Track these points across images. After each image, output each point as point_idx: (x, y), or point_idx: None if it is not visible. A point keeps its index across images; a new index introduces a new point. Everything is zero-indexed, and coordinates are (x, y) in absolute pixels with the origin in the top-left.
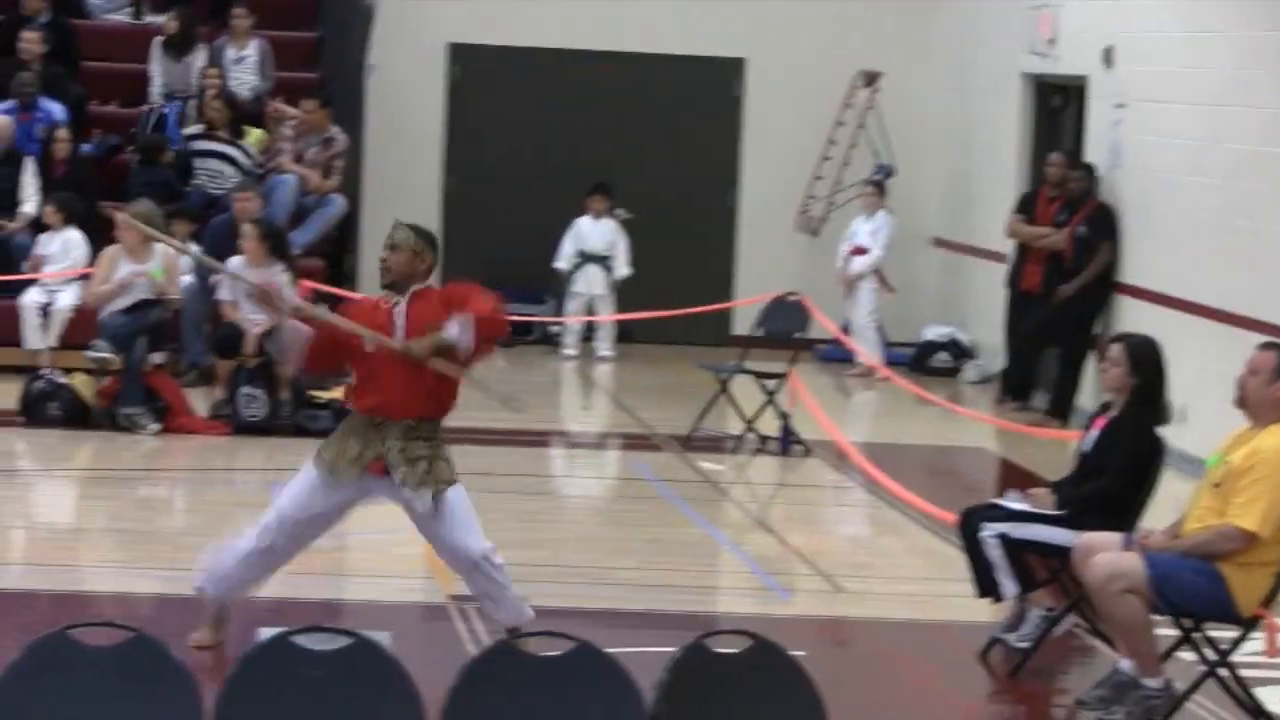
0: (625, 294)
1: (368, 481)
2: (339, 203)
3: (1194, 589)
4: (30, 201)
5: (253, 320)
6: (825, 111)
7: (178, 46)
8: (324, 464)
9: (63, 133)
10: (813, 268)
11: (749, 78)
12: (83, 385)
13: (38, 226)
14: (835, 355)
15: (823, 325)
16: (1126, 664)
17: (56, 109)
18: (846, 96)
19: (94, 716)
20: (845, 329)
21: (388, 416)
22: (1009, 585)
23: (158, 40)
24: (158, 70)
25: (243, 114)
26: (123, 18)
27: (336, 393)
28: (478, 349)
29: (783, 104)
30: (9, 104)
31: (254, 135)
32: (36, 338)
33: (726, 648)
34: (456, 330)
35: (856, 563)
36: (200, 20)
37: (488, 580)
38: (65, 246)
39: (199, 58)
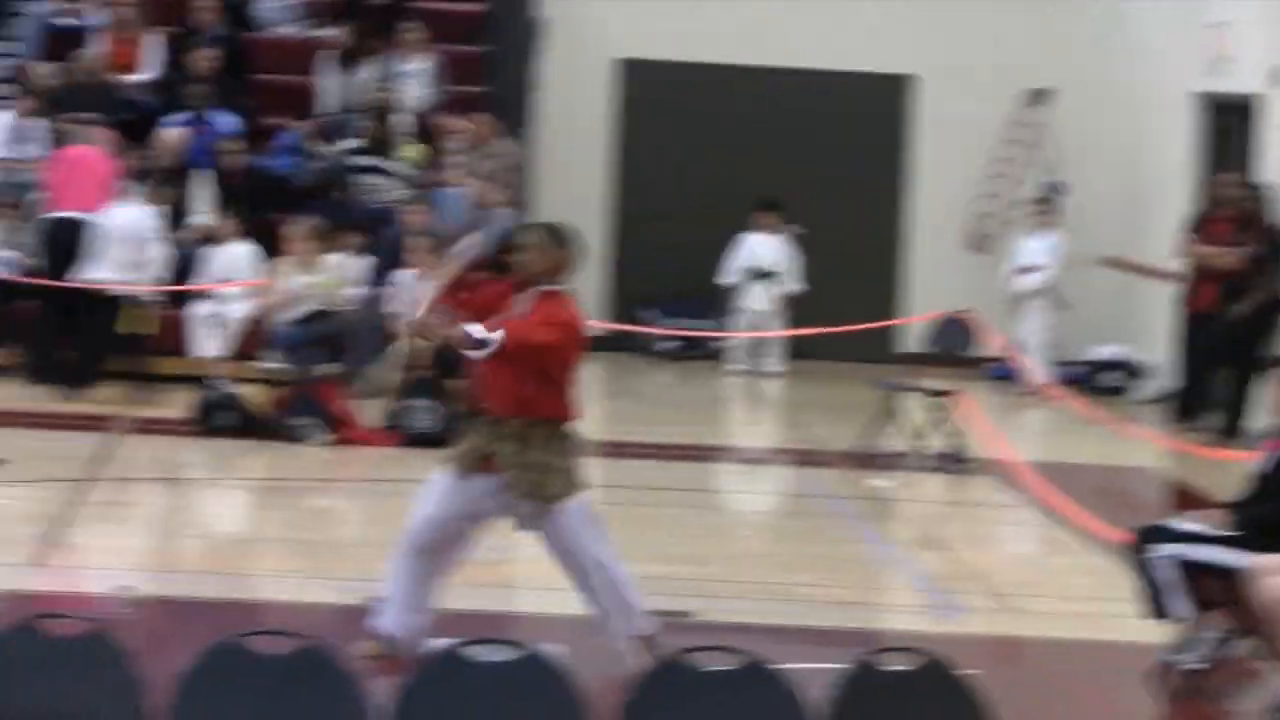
0: (794, 310)
1: (488, 483)
2: (507, 216)
3: None
4: (203, 214)
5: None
6: (995, 128)
7: (348, 60)
8: (451, 460)
9: (235, 145)
10: (982, 285)
11: (919, 94)
12: (254, 395)
13: (210, 238)
14: (1004, 373)
15: (992, 343)
16: None
17: (229, 121)
18: (1016, 114)
19: None
20: (1015, 347)
21: (499, 415)
22: (1180, 607)
23: (328, 53)
24: (328, 83)
25: (409, 129)
26: (293, 30)
27: None
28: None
29: (952, 121)
30: (183, 117)
31: (412, 151)
32: (208, 348)
33: (896, 665)
34: (476, 335)
35: (1025, 581)
36: (370, 34)
37: (604, 588)
38: (237, 259)
39: (369, 71)
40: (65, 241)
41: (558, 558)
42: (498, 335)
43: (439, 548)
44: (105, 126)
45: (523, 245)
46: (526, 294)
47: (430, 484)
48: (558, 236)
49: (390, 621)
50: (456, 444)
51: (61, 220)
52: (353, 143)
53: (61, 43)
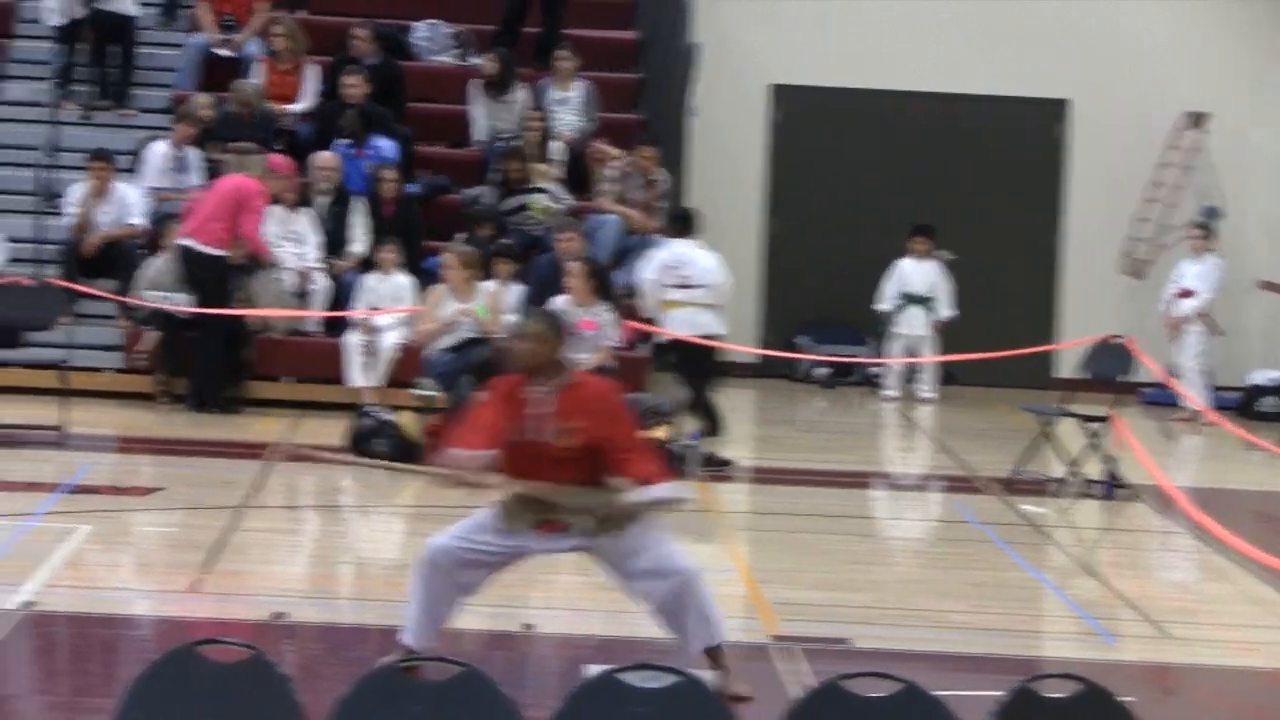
0: (947, 335)
1: (543, 538)
2: (661, 242)
3: None
4: (359, 241)
5: (580, 360)
6: (1150, 153)
7: (496, 87)
8: (501, 515)
9: (390, 173)
10: (1137, 310)
11: (1072, 119)
12: (408, 422)
13: (366, 266)
14: (1160, 399)
15: (1148, 368)
16: None
17: (387, 146)
18: (1172, 138)
19: None
20: (1171, 372)
21: (554, 482)
22: None
23: (477, 81)
24: (479, 112)
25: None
26: (448, 59)
27: (659, 432)
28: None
29: (1106, 145)
30: (340, 145)
31: (537, 205)
32: (361, 375)
33: (1054, 692)
34: (665, 494)
35: (1183, 608)
36: (524, 61)
37: (692, 597)
38: (395, 289)
39: (519, 97)
40: (209, 270)
41: (647, 580)
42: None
43: (460, 572)
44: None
45: (525, 335)
46: (546, 385)
47: (477, 518)
48: (555, 325)
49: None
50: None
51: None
52: (503, 174)
53: (219, 72)
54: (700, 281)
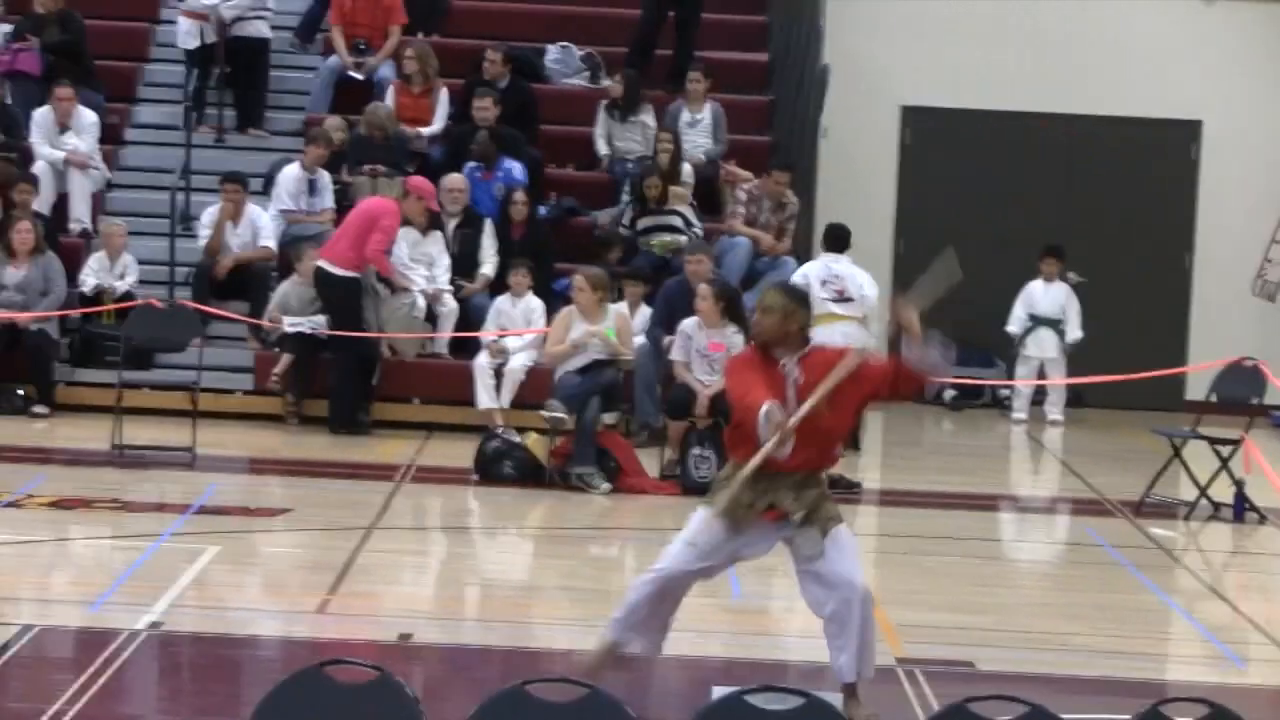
0: (1077, 358)
1: (760, 530)
2: (791, 265)
3: None
4: (489, 263)
5: (704, 382)
6: None
7: (622, 108)
8: (719, 511)
9: (520, 195)
10: (1269, 333)
11: (1205, 140)
12: (536, 445)
13: (493, 287)
14: None
15: (1278, 391)
16: None
17: (517, 168)
18: None
19: None
20: None
21: (779, 470)
22: None
23: (603, 103)
24: (603, 132)
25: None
26: (579, 82)
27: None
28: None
29: (1239, 166)
30: (470, 166)
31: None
32: (489, 398)
33: (1182, 715)
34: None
35: None
36: (656, 84)
37: (857, 619)
38: (525, 311)
39: (645, 119)
40: (340, 291)
41: (820, 577)
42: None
43: (687, 581)
44: (392, 177)
45: (765, 309)
46: (789, 358)
47: (697, 524)
48: (798, 297)
49: (635, 643)
50: (718, 493)
51: (329, 273)
52: (634, 195)
53: (351, 95)
54: (855, 295)
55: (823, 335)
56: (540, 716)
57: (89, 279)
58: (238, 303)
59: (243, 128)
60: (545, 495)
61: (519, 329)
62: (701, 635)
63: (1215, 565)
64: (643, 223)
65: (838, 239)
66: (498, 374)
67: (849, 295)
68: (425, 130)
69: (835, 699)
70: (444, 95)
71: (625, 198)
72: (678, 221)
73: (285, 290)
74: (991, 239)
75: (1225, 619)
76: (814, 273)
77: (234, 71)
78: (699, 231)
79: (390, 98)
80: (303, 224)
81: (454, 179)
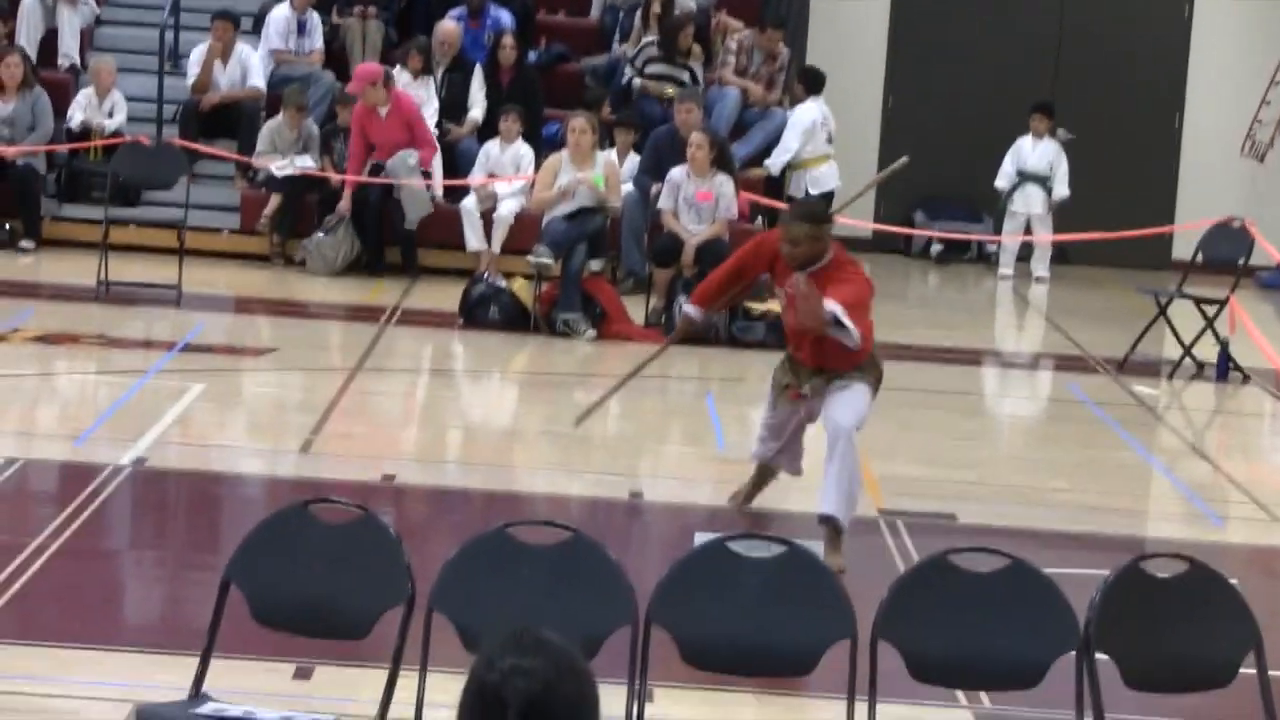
0: (1064, 215)
1: (798, 405)
2: (780, 116)
3: None
4: (477, 107)
5: (692, 230)
6: (1276, 35)
7: None
8: (774, 389)
9: (509, 40)
10: (1257, 193)
11: None
12: (521, 290)
13: (481, 133)
14: (1277, 283)
15: (1266, 252)
16: None
17: (505, 16)
18: None
19: (532, 612)
20: None
21: (807, 364)
22: None
23: None
24: None
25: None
26: None
27: (772, 304)
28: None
29: (1233, 26)
30: (459, 10)
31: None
32: (477, 240)
33: (1162, 571)
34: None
35: None
36: None
37: (836, 455)
38: (515, 157)
39: None
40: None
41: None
42: (847, 321)
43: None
44: (381, 19)
45: (794, 241)
46: (802, 274)
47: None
48: (820, 217)
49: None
50: (778, 369)
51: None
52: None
53: None
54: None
55: (810, 180)
56: (522, 559)
57: (77, 115)
58: (225, 141)
59: None
60: (530, 340)
61: (508, 174)
62: (686, 484)
63: (1197, 424)
64: (655, 68)
65: (820, 81)
66: (485, 218)
67: (833, 135)
68: None
69: (817, 547)
70: None
71: (617, 45)
72: (686, 76)
73: (271, 129)
74: (981, 95)
75: (1206, 477)
76: (817, 118)
77: None
78: (702, 87)
79: None
80: (292, 64)
81: (446, 29)
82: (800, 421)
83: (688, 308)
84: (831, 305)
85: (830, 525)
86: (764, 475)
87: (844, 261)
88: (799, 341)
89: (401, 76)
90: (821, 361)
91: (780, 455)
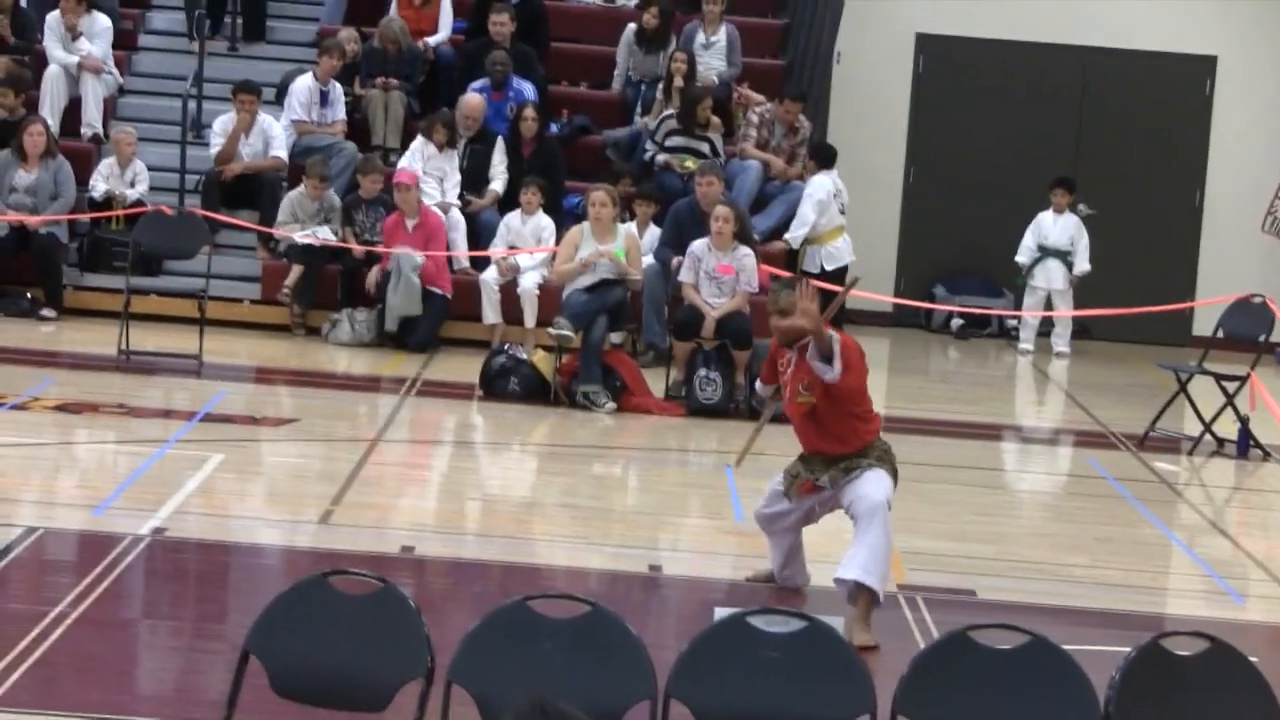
0: (1085, 290)
1: (806, 498)
2: (800, 189)
3: None
4: (498, 179)
5: (712, 304)
6: None
7: (652, 41)
8: (785, 479)
9: (530, 112)
10: (1278, 270)
11: (1220, 75)
12: (542, 362)
13: (502, 205)
14: None
15: None
16: None
17: (528, 88)
18: None
19: (553, 685)
20: None
21: (816, 452)
22: None
23: (631, 29)
24: (625, 58)
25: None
26: (595, 0)
27: None
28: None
29: (1254, 103)
30: (482, 83)
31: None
32: (495, 314)
33: (1182, 649)
34: (836, 348)
35: None
36: (672, 11)
37: (865, 524)
38: (536, 230)
39: (668, 43)
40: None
41: (847, 499)
42: (838, 354)
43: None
44: (403, 90)
45: (783, 309)
46: (793, 348)
47: (770, 489)
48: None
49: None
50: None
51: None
52: (670, 124)
53: (364, 7)
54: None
55: (825, 254)
56: (542, 631)
57: (99, 184)
58: (247, 212)
59: (252, 39)
60: (550, 413)
61: (528, 247)
62: (705, 557)
63: (1217, 501)
64: (675, 140)
65: (831, 155)
66: (504, 291)
67: (845, 206)
68: (431, 40)
69: (837, 623)
70: (448, 5)
71: (639, 118)
72: (706, 148)
73: (292, 199)
74: (1003, 168)
75: (1226, 554)
76: (830, 190)
77: None
78: (722, 159)
79: (393, 9)
80: (314, 135)
81: (471, 103)
82: (802, 520)
83: (759, 387)
84: (837, 336)
85: (865, 595)
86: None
87: (850, 346)
88: (796, 424)
89: (427, 149)
90: (827, 444)
91: (785, 571)
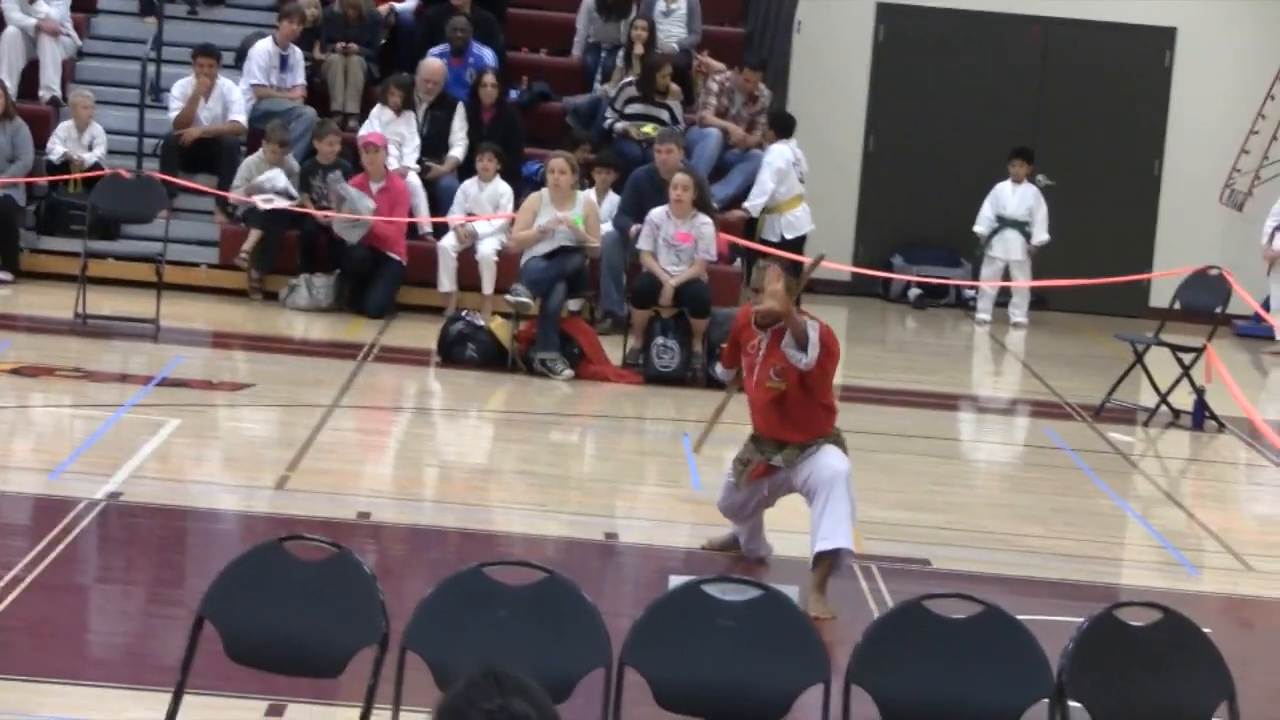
0: (1042, 261)
1: (762, 482)
2: (760, 158)
3: None
4: (458, 146)
5: (671, 271)
6: (1256, 84)
7: (612, 8)
8: (734, 469)
9: (490, 79)
10: (1235, 242)
11: (1179, 47)
12: (500, 329)
13: (462, 171)
14: (1254, 332)
15: (1243, 301)
16: None
17: (488, 54)
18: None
19: (508, 652)
20: (1266, 305)
21: (773, 438)
22: None
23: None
24: (585, 25)
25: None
26: None
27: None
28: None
29: (1213, 75)
30: (442, 48)
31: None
32: (450, 283)
33: (1136, 619)
34: (812, 335)
35: (1267, 542)
36: None
37: (826, 491)
38: (494, 197)
39: (629, 11)
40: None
41: (808, 484)
42: (815, 341)
43: (743, 516)
44: (363, 56)
45: (762, 288)
46: (764, 334)
47: (725, 481)
48: (793, 269)
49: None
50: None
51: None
52: (630, 90)
53: None
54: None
55: (785, 223)
56: (497, 598)
57: (57, 147)
58: (206, 176)
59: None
60: (507, 380)
61: (486, 214)
62: (662, 525)
63: (1172, 472)
64: (634, 107)
65: (789, 124)
66: (461, 258)
67: (804, 175)
68: (399, 5)
69: (792, 591)
70: None
71: (599, 85)
72: (666, 115)
73: (249, 164)
74: (962, 139)
75: (1181, 525)
76: (789, 159)
77: None
78: (681, 126)
79: None
80: (273, 99)
81: (431, 66)
82: (761, 504)
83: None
84: (811, 323)
85: (824, 563)
86: (734, 544)
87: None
88: (760, 408)
89: (384, 114)
90: (783, 431)
91: (749, 545)
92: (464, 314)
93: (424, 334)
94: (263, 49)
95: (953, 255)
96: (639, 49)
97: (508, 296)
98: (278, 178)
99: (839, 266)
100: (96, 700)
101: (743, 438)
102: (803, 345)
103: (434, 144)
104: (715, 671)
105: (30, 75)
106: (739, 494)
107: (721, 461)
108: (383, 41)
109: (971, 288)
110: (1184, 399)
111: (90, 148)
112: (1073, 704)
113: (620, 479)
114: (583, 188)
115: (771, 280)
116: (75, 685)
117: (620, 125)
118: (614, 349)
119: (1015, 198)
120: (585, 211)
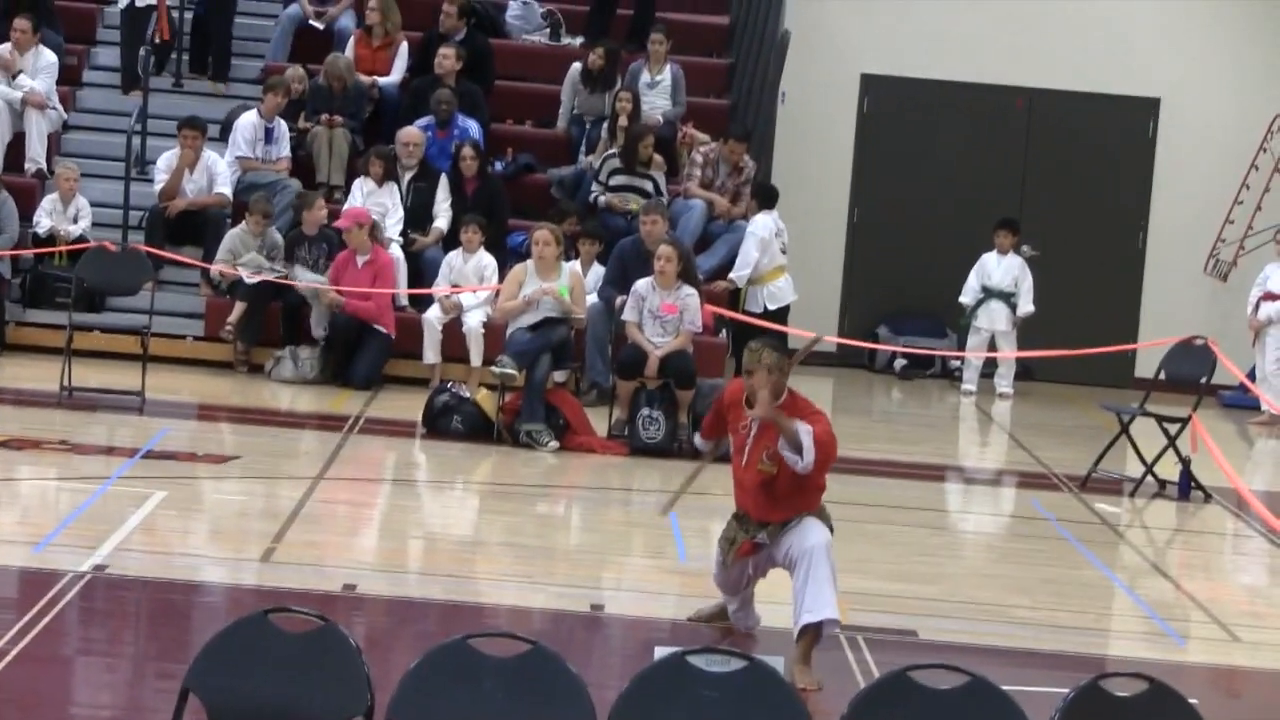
0: (1028, 331)
1: (748, 559)
2: (744, 228)
3: None
4: (442, 217)
5: (656, 343)
6: (1240, 155)
7: (597, 80)
8: (721, 548)
9: (469, 150)
10: (1220, 312)
11: (1163, 118)
12: (485, 400)
13: (446, 243)
14: (1240, 402)
15: (1228, 371)
16: None
17: (473, 126)
18: (1263, 140)
19: None
20: (1252, 376)
21: (765, 520)
22: None
23: (576, 68)
24: (570, 97)
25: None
26: (540, 39)
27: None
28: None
29: (1197, 145)
30: (427, 120)
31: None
32: (434, 355)
33: (1122, 690)
34: (805, 440)
35: (1254, 612)
36: (616, 52)
37: (809, 564)
38: (479, 269)
39: (614, 83)
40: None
41: (790, 558)
42: (809, 446)
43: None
44: (348, 128)
45: (754, 370)
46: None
47: (715, 558)
48: (780, 351)
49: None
50: (726, 526)
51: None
52: (614, 163)
53: (311, 45)
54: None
55: (768, 294)
56: (482, 670)
57: (43, 220)
58: (191, 248)
59: (217, 76)
60: (493, 451)
61: (471, 285)
62: (648, 596)
63: (1159, 542)
64: (618, 179)
65: (772, 196)
66: (445, 330)
67: (786, 246)
68: (382, 80)
69: (778, 662)
70: (404, 48)
71: (583, 156)
72: (649, 186)
73: (233, 236)
74: (947, 209)
75: (1167, 596)
76: (771, 229)
77: (198, 18)
78: (665, 197)
79: (350, 49)
80: (259, 171)
81: (410, 133)
82: (751, 579)
83: (698, 441)
84: (804, 427)
85: (809, 635)
86: (725, 614)
87: (806, 402)
88: (748, 489)
89: (366, 185)
90: (770, 513)
91: (738, 613)
92: (449, 385)
93: (410, 406)
94: (248, 121)
95: (938, 326)
96: (623, 121)
97: (493, 368)
98: (258, 260)
99: (826, 338)
100: None
101: (712, 504)
102: (796, 449)
103: (418, 215)
104: None
105: (16, 148)
106: (730, 571)
107: (707, 533)
108: (368, 114)
109: (957, 358)
110: (1170, 469)
111: (75, 220)
112: None
113: (606, 550)
114: (568, 259)
115: (759, 384)
116: None
117: (604, 198)
118: (599, 420)
119: (1000, 268)
120: (571, 282)
